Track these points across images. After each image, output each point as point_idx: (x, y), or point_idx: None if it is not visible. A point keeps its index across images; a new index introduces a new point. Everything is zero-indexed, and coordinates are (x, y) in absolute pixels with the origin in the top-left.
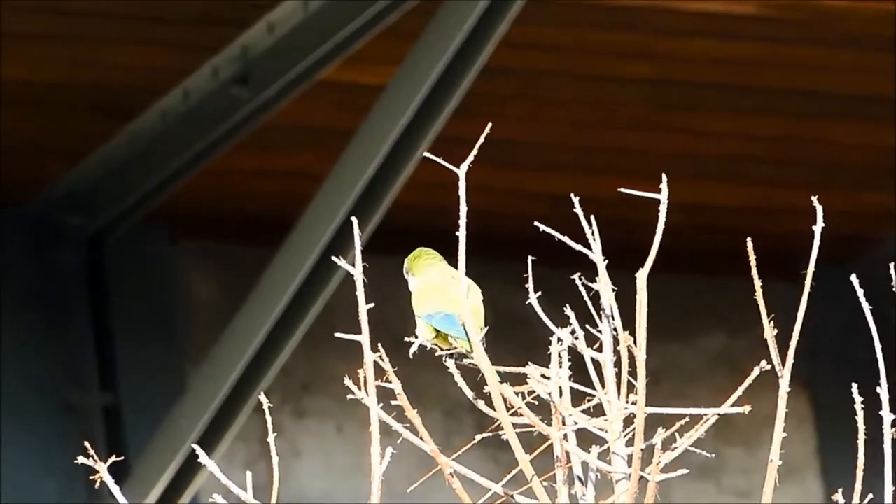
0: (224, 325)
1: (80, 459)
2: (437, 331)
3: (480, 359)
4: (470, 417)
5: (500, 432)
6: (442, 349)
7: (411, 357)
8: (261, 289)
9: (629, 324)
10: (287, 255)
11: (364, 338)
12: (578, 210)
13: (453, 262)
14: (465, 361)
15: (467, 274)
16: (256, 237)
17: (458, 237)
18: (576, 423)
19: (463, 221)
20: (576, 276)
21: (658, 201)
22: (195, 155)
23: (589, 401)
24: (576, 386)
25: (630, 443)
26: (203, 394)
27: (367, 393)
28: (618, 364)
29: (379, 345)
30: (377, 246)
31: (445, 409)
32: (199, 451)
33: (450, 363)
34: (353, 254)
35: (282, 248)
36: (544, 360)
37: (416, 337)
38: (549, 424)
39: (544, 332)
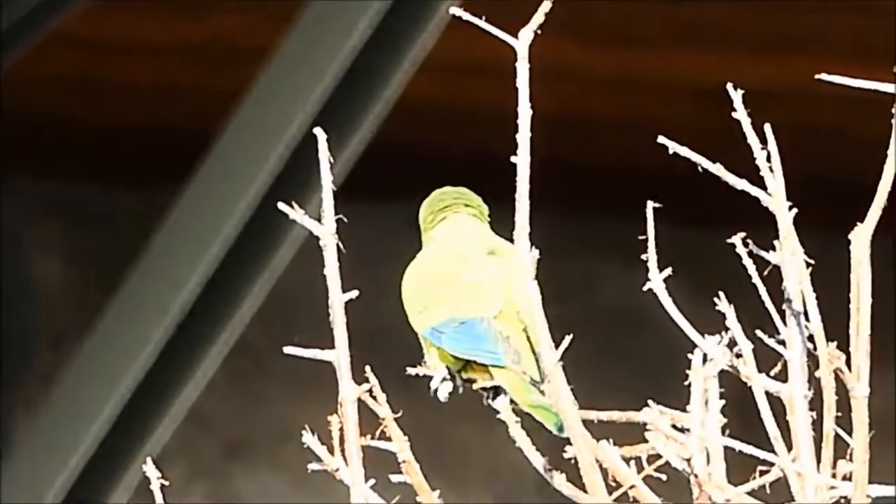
0: (84, 331)
1: None
2: (456, 356)
3: (559, 397)
4: (540, 502)
5: None
6: (477, 382)
7: (438, 396)
8: (150, 264)
9: (836, 328)
10: (196, 203)
11: (340, 354)
12: (740, 110)
13: (498, 215)
14: (529, 404)
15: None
16: (141, 173)
17: (509, 168)
18: None
19: (524, 135)
20: (737, 238)
21: (885, 100)
22: (25, 20)
23: (762, 473)
24: (737, 444)
25: None
26: (46, 460)
27: (345, 460)
28: (817, 404)
29: (368, 369)
30: (366, 187)
31: (497, 492)
32: None
33: (500, 405)
34: (318, 199)
35: (187, 192)
36: (677, 396)
37: (427, 364)
38: None
39: (674, 341)
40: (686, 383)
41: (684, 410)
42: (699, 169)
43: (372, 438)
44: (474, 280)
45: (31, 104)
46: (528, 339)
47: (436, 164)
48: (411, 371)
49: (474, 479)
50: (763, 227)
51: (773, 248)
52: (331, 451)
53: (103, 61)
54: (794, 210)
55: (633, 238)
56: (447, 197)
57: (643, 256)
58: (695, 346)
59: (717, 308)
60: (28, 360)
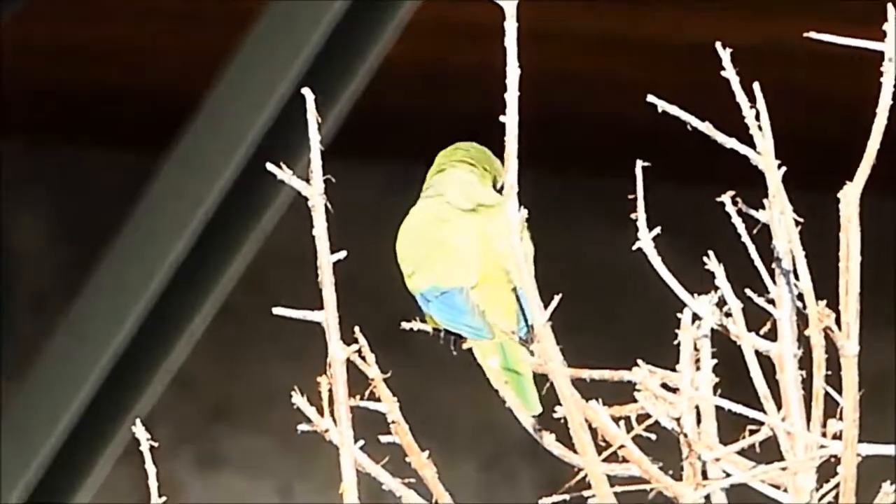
0: (68, 298)
1: None
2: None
3: (548, 357)
4: (527, 466)
5: (586, 493)
6: (467, 342)
7: (442, 335)
8: (136, 227)
9: (826, 287)
10: (183, 165)
11: (328, 315)
12: (728, 68)
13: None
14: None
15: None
16: (125, 134)
17: (497, 127)
18: (727, 475)
19: (513, 95)
20: (726, 197)
21: (875, 58)
22: None
23: (752, 432)
24: (726, 404)
25: None
26: (29, 425)
27: (334, 421)
28: (807, 363)
29: (357, 330)
30: (356, 146)
31: (485, 454)
32: None
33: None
34: (307, 160)
35: (174, 154)
36: (667, 356)
37: (420, 319)
38: (678, 478)
39: (664, 300)
40: (675, 343)
41: (673, 370)
42: (688, 127)
43: (361, 399)
44: (453, 244)
45: (11, 68)
46: (518, 300)
47: (422, 125)
48: (406, 325)
49: (463, 439)
50: (751, 187)
51: (763, 207)
52: (319, 413)
53: (85, 23)
54: (784, 168)
55: (619, 197)
56: (464, 152)
57: (632, 216)
58: (683, 305)
59: (705, 265)
60: (10, 325)
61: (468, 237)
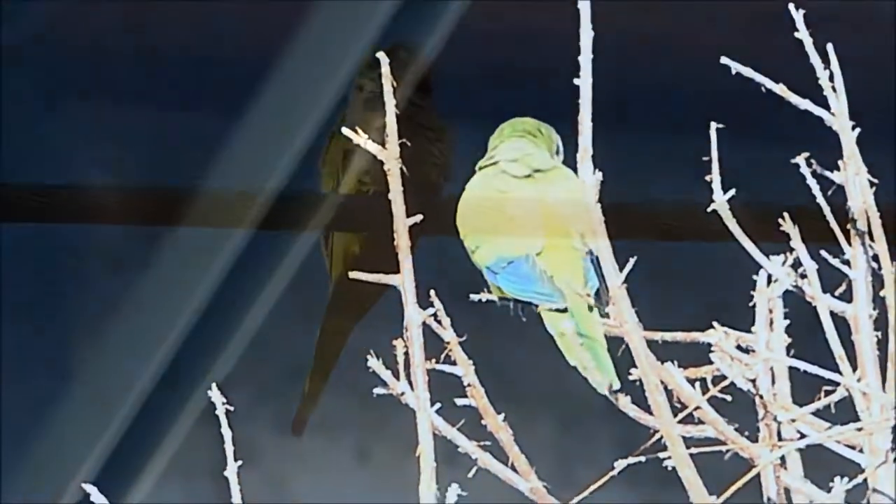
0: (143, 261)
1: None
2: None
3: (624, 319)
4: (604, 428)
5: (662, 454)
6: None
7: (516, 309)
8: (211, 188)
9: None
10: (255, 131)
11: (405, 279)
12: (802, 30)
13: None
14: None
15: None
16: (198, 96)
17: (572, 90)
18: (802, 436)
19: (586, 58)
20: (800, 158)
21: None
22: None
23: (827, 393)
24: (802, 364)
25: None
26: (109, 385)
27: (410, 385)
28: (882, 323)
29: (433, 293)
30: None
31: (560, 413)
32: (93, 492)
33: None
34: (381, 123)
35: (245, 117)
36: (741, 318)
37: (489, 290)
38: (754, 439)
39: (740, 262)
40: (750, 303)
41: (748, 331)
42: (762, 89)
43: (437, 362)
44: (514, 214)
45: (97, 29)
46: (587, 263)
47: (501, 86)
48: (474, 297)
49: (539, 402)
50: (823, 149)
51: (837, 168)
52: (396, 376)
53: None
54: (858, 129)
55: (692, 158)
56: (515, 126)
57: (706, 178)
58: (757, 266)
59: (779, 226)
60: (85, 285)
61: (528, 205)
